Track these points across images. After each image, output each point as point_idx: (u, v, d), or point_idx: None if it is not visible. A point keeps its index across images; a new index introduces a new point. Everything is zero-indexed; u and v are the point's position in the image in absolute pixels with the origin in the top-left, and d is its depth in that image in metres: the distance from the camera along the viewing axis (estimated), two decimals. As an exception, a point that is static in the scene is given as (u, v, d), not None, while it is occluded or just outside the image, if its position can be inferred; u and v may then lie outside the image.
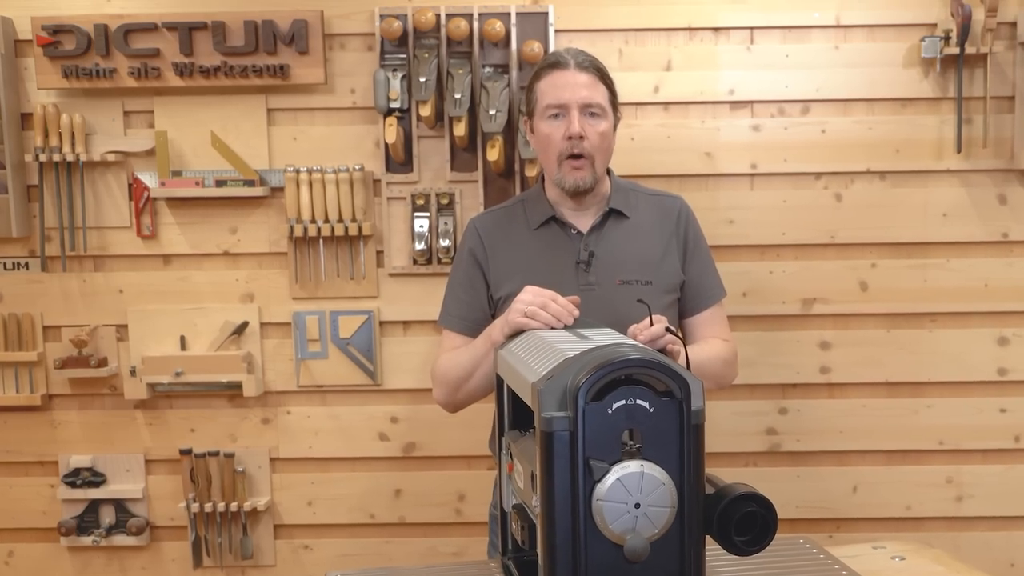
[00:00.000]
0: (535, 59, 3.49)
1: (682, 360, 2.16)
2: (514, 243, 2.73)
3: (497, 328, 2.38)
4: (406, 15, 3.60)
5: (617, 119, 2.70)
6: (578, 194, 2.65)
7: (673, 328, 2.25)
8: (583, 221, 2.71)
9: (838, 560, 2.10)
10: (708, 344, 2.73)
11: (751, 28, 3.67)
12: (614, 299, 2.60)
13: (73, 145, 3.67)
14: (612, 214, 2.71)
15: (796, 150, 3.70)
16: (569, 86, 2.60)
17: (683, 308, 2.76)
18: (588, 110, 2.60)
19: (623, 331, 2.13)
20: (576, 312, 2.25)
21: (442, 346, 2.77)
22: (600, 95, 2.62)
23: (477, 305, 2.73)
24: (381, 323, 3.78)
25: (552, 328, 2.20)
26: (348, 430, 3.85)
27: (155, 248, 3.79)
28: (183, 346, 3.79)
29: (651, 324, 2.21)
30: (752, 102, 3.69)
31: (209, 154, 3.69)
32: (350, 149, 3.73)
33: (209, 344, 3.78)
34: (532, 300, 2.27)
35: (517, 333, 2.24)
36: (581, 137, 2.58)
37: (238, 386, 3.74)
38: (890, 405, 3.79)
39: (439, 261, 3.69)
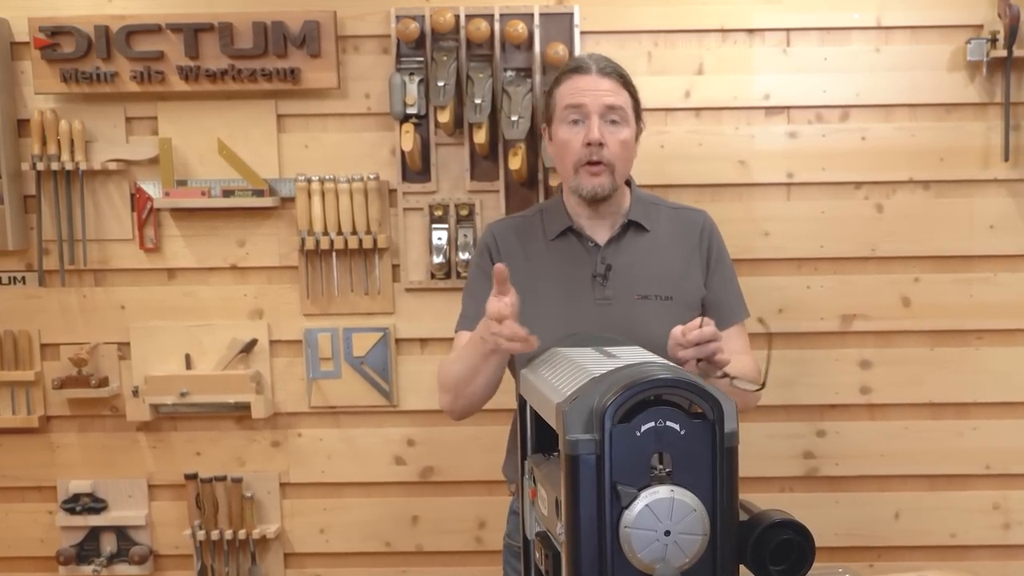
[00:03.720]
0: (559, 62, 3.49)
1: (730, 368, 2.18)
2: (529, 254, 2.74)
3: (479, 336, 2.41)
4: (423, 16, 3.62)
5: (640, 129, 2.72)
6: (596, 202, 2.67)
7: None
8: (601, 233, 2.73)
9: (879, 591, 2.12)
10: (737, 360, 2.62)
11: (787, 30, 3.68)
12: (632, 314, 2.61)
13: (72, 153, 3.69)
14: (631, 226, 2.73)
15: (835, 158, 3.70)
16: (590, 90, 2.62)
17: None
18: (609, 116, 2.61)
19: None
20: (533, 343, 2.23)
21: (454, 349, 2.77)
22: (623, 100, 2.64)
23: None
24: (397, 341, 3.80)
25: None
26: (362, 453, 3.86)
27: (159, 262, 3.81)
28: (188, 365, 3.81)
29: (700, 325, 2.20)
30: (788, 108, 3.70)
31: (216, 162, 3.71)
32: (364, 157, 3.74)
33: (216, 363, 3.80)
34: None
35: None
36: (601, 144, 2.60)
37: (246, 407, 3.76)
38: (934, 427, 3.79)
39: (458, 275, 3.70)
